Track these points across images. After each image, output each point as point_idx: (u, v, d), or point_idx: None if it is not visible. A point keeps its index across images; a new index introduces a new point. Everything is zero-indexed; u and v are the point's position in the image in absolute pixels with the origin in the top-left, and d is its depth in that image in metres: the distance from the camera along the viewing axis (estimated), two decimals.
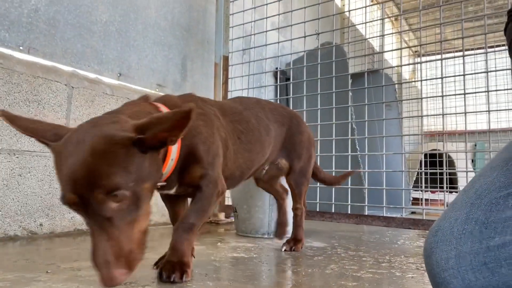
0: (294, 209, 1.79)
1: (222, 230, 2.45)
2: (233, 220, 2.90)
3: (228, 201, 2.88)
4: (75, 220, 2.01)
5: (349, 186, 2.44)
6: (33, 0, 1.93)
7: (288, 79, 3.51)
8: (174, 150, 1.06)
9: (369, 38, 3.52)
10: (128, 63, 2.42)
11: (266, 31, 2.86)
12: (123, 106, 1.06)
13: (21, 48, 1.88)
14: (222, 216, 2.85)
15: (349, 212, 2.35)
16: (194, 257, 1.26)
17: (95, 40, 2.22)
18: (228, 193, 2.75)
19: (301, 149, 1.75)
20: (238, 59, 3.06)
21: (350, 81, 3.23)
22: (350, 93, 3.14)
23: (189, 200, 1.28)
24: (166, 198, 1.39)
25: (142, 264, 1.31)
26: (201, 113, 1.22)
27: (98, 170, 0.78)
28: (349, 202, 2.40)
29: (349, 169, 2.49)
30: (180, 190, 1.20)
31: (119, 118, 0.90)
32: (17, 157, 1.80)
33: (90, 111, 2.12)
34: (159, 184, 1.07)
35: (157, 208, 2.46)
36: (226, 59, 2.91)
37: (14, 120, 0.89)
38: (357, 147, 3.12)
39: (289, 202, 1.90)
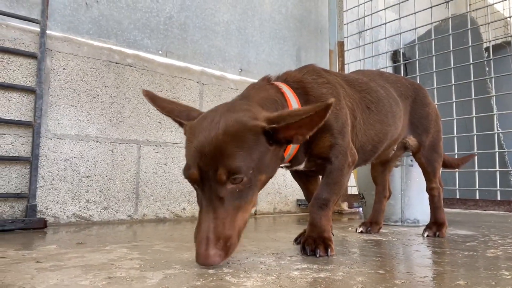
0: (430, 189, 1.61)
1: (346, 219, 2.37)
2: (357, 210, 2.80)
3: (351, 191, 2.79)
4: None
5: (497, 168, 2.12)
6: (168, 8, 2.16)
7: (407, 60, 3.25)
8: None
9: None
10: (248, 58, 2.53)
11: (383, 9, 2.69)
12: (249, 91, 1.07)
13: (160, 52, 2.12)
14: (345, 206, 2.77)
15: (498, 198, 2.05)
16: (333, 234, 1.24)
17: (218, 39, 2.39)
18: (351, 181, 2.66)
19: (428, 123, 1.58)
20: (353, 44, 2.95)
21: (485, 54, 2.84)
22: (487, 68, 2.75)
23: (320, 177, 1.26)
24: (297, 177, 1.37)
25: (284, 239, 1.36)
26: (325, 82, 1.17)
27: (226, 150, 0.82)
28: (498, 187, 2.08)
29: (493, 150, 2.18)
30: (310, 164, 1.16)
31: (251, 106, 0.93)
32: (163, 148, 2.03)
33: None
34: (284, 164, 1.08)
35: (280, 197, 2.52)
36: (341, 44, 2.83)
37: (155, 100, 1.01)
38: (497, 127, 2.71)
39: (418, 185, 1.72)
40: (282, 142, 0.91)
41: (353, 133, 1.21)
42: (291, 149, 1.04)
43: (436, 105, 2.46)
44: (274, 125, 0.85)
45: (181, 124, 0.98)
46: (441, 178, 1.67)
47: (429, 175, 1.61)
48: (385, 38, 2.69)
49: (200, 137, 0.85)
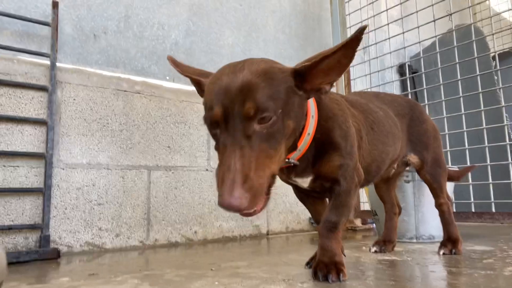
0: (439, 205, 1.59)
1: (360, 237, 2.34)
2: (371, 226, 2.76)
3: (364, 207, 2.76)
4: (222, 228, 2.17)
5: None
6: (173, 35, 2.21)
7: (414, 72, 3.24)
8: (311, 125, 1.00)
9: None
10: None
11: (387, 24, 2.71)
12: None
13: (167, 78, 2.16)
14: (358, 222, 2.73)
15: None
16: (344, 256, 1.22)
17: (224, 62, 2.40)
18: (364, 197, 2.63)
19: (427, 139, 1.58)
20: (358, 59, 2.96)
21: (493, 63, 2.81)
22: (496, 77, 2.72)
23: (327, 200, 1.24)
24: (303, 197, 1.33)
25: (296, 262, 1.34)
26: (334, 99, 1.16)
27: (254, 85, 0.78)
28: None
29: (507, 160, 2.13)
30: (315, 185, 1.13)
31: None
32: (172, 172, 2.05)
33: None
34: (293, 161, 1.02)
35: (292, 215, 2.50)
36: None
37: (178, 65, 1.06)
38: (510, 135, 2.66)
39: (431, 200, 1.68)
40: (309, 91, 0.89)
41: (359, 153, 1.20)
42: (304, 142, 1.00)
43: (446, 117, 2.44)
44: (305, 64, 0.84)
45: (199, 85, 0.99)
46: (447, 192, 1.64)
47: (436, 191, 1.59)
48: (390, 52, 2.70)
49: (224, 79, 0.80)
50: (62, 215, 1.70)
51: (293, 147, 0.99)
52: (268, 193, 0.80)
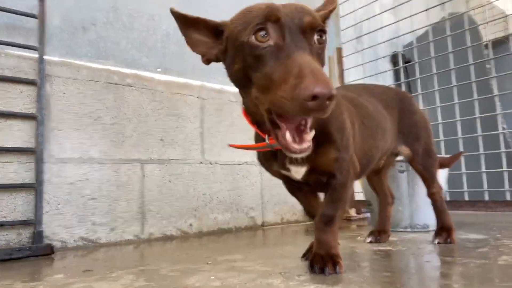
0: (431, 194, 1.60)
1: (354, 227, 2.35)
2: (366, 216, 2.77)
3: (359, 196, 2.77)
4: (218, 220, 2.17)
5: (505, 168, 2.09)
6: (164, 26, 2.17)
7: (407, 62, 3.23)
8: None
9: None
10: None
11: (380, 13, 2.69)
12: None
13: (159, 70, 2.13)
14: (353, 212, 2.75)
15: (508, 198, 2.02)
16: (339, 244, 1.22)
17: None
18: (359, 187, 2.64)
19: (418, 130, 1.58)
20: (351, 49, 2.94)
21: (485, 52, 2.81)
22: (488, 65, 2.73)
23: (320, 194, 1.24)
24: (294, 190, 1.32)
25: (292, 254, 1.34)
26: None
27: (307, 8, 0.86)
28: (508, 187, 2.05)
29: (500, 149, 2.15)
30: (309, 178, 1.10)
31: None
32: (166, 166, 2.03)
33: (220, 119, 2.28)
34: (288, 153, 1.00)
35: (287, 206, 2.50)
36: (339, 50, 2.83)
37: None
38: (503, 126, 2.68)
39: (425, 190, 1.67)
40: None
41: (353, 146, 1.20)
42: None
43: (439, 107, 2.45)
44: (325, 12, 0.97)
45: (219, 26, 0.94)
46: (439, 181, 1.65)
47: (428, 181, 1.59)
48: (383, 42, 2.68)
49: (266, 4, 0.83)
50: (55, 211, 1.68)
51: None
52: None
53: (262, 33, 0.80)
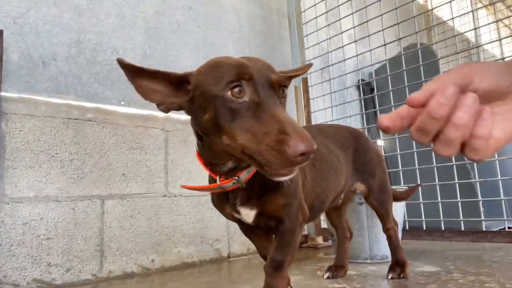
0: (386, 230, 1.64)
1: (321, 255, 2.37)
2: (331, 244, 2.80)
3: (325, 224, 2.80)
4: (181, 254, 2.14)
5: (459, 199, 2.17)
6: (129, 58, 2.16)
7: (373, 89, 3.35)
8: None
9: (462, 33, 3.19)
10: None
11: (343, 46, 2.79)
12: None
13: (122, 103, 2.13)
14: (320, 239, 2.77)
15: (462, 228, 2.09)
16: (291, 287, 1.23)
17: None
18: (323, 215, 2.68)
19: (372, 167, 1.63)
20: (317, 79, 3.02)
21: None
22: None
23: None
24: (248, 231, 1.32)
25: None
26: None
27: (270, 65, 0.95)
28: (461, 217, 2.13)
29: (456, 180, 2.23)
30: (259, 221, 1.12)
31: None
32: (128, 200, 2.01)
33: (185, 150, 2.28)
34: (241, 181, 1.02)
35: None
36: (305, 80, 2.90)
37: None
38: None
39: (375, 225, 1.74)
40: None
41: (303, 191, 1.23)
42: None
43: (397, 138, 2.53)
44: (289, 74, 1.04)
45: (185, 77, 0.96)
46: (394, 217, 1.70)
47: (383, 216, 1.64)
48: (346, 74, 2.78)
49: (235, 59, 0.91)
50: (7, 252, 1.63)
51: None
52: None
53: (237, 89, 0.86)
